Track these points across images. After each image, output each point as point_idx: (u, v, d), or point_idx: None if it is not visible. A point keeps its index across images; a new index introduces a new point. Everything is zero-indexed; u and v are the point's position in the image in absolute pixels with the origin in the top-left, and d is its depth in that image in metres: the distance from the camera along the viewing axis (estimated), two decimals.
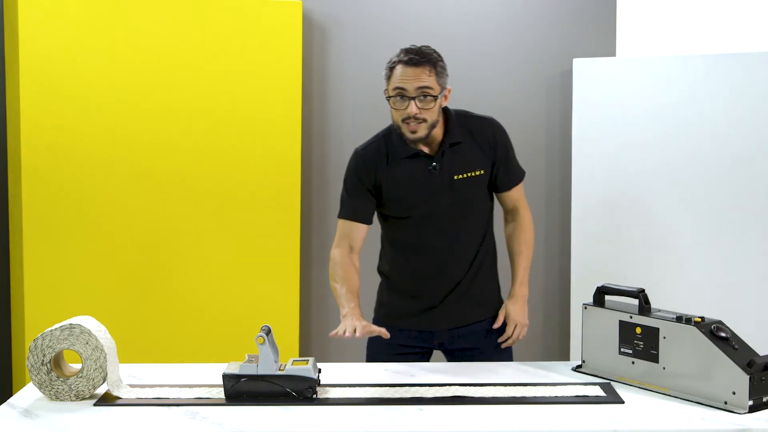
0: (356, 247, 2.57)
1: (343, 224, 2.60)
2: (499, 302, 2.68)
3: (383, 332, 2.36)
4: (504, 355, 2.63)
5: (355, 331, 2.28)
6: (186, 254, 3.66)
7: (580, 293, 3.80)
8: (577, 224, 3.88)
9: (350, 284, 2.51)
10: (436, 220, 2.54)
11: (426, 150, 2.53)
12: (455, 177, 2.52)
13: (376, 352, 2.64)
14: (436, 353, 2.69)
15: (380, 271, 2.72)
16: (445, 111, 2.55)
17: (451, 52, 3.99)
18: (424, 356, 2.65)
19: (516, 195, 2.67)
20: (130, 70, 3.56)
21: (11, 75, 3.58)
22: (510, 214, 2.70)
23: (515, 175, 2.65)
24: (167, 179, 3.63)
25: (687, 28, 3.89)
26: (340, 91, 3.94)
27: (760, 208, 3.60)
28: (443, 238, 2.55)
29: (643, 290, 2.23)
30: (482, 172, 2.56)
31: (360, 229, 2.58)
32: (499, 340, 2.60)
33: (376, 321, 2.67)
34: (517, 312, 2.60)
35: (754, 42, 3.78)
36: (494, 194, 2.68)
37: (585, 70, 3.83)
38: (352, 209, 2.58)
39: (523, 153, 4.01)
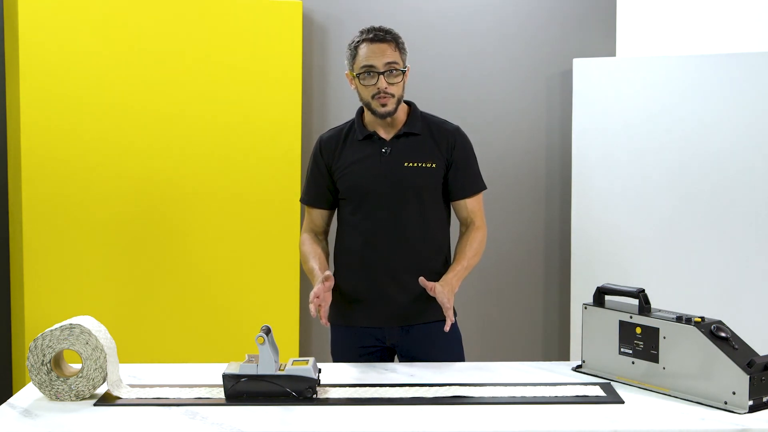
0: (318, 231, 2.67)
1: (305, 209, 2.69)
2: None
3: (328, 277, 2.38)
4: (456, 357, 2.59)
5: (318, 301, 2.33)
6: (186, 254, 3.66)
7: (580, 293, 3.81)
8: (577, 224, 3.88)
9: (320, 260, 2.56)
10: (382, 205, 2.53)
11: (382, 134, 2.56)
12: (405, 164, 2.54)
13: (339, 356, 2.62)
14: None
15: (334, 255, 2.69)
16: (410, 104, 2.61)
17: (452, 52, 4.04)
18: (385, 356, 2.61)
19: (473, 206, 2.61)
20: (130, 70, 3.56)
21: (11, 75, 3.58)
22: (464, 226, 2.63)
23: (473, 184, 2.61)
24: (167, 179, 3.63)
25: (687, 28, 3.89)
26: (340, 91, 3.94)
27: (760, 208, 3.60)
28: (387, 225, 2.53)
29: (643, 290, 2.23)
30: (434, 165, 2.55)
31: (317, 214, 2.66)
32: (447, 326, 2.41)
33: (331, 320, 2.59)
34: (444, 291, 2.40)
35: (754, 42, 3.78)
36: (451, 205, 2.63)
37: (585, 70, 3.83)
38: (307, 194, 2.67)
39: (523, 153, 4.06)
